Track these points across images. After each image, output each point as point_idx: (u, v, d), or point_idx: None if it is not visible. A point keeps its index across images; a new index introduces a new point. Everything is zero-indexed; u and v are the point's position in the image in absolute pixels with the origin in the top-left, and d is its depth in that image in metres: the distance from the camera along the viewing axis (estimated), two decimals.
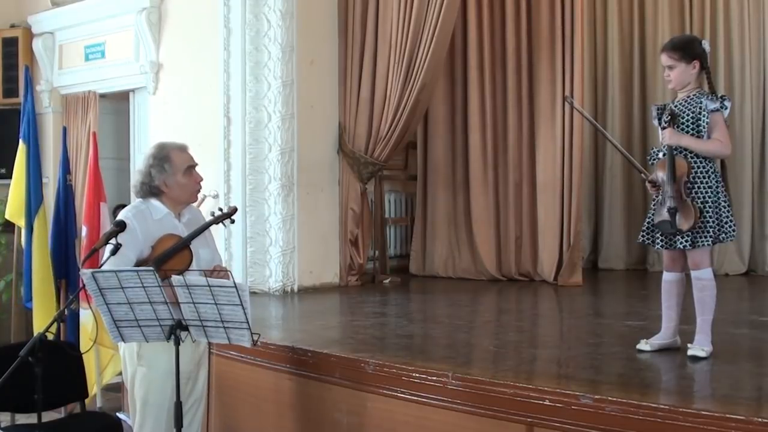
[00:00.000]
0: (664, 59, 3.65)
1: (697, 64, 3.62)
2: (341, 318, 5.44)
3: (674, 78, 3.64)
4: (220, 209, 3.40)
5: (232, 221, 3.45)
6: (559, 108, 6.54)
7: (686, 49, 3.64)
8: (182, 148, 3.49)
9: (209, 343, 3.32)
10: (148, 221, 3.31)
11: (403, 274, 7.23)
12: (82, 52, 7.45)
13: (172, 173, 3.37)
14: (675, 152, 3.55)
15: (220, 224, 3.44)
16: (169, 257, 3.18)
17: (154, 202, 3.39)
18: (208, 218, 3.48)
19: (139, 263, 3.20)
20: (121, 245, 3.15)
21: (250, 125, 6.10)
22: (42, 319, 5.75)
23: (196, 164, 3.49)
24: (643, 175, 3.81)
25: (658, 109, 3.79)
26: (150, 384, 3.31)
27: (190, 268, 3.17)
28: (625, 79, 7.81)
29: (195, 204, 3.66)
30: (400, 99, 6.25)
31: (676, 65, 3.61)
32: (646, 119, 7.46)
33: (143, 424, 3.34)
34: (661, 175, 3.60)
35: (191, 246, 3.28)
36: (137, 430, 3.37)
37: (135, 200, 3.50)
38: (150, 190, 3.39)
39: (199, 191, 3.50)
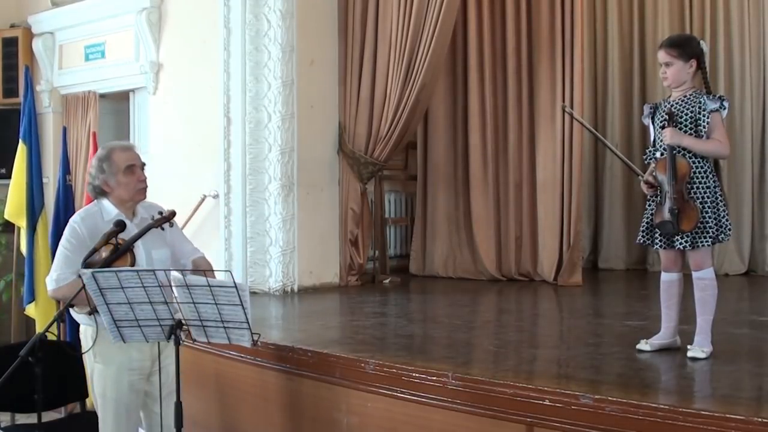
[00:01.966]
0: (662, 56, 3.64)
1: (694, 63, 3.61)
2: (341, 318, 5.44)
3: (671, 75, 3.63)
4: (160, 213, 3.41)
5: (171, 225, 3.46)
6: (559, 108, 6.53)
7: (684, 47, 3.63)
8: (125, 148, 3.53)
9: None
10: (97, 223, 3.35)
11: (403, 274, 7.22)
12: (82, 52, 7.45)
13: (113, 173, 3.41)
14: (675, 152, 3.55)
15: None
16: (113, 261, 3.18)
17: (105, 203, 3.45)
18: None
19: (88, 266, 3.19)
20: (121, 244, 3.18)
21: (250, 125, 6.10)
22: (44, 319, 5.76)
23: (142, 163, 3.52)
24: (639, 176, 3.81)
25: (650, 108, 3.79)
26: (105, 379, 3.38)
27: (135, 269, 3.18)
28: (625, 79, 7.81)
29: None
30: (400, 99, 6.24)
31: (674, 63, 3.60)
32: None
33: (105, 419, 3.41)
34: (660, 175, 3.59)
35: (136, 248, 3.29)
36: (101, 425, 3.43)
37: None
38: (95, 190, 3.46)
39: (143, 189, 3.50)
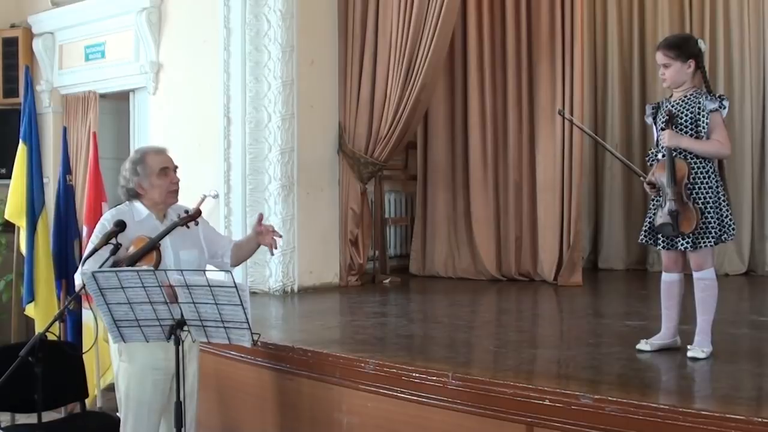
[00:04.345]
0: (660, 58, 3.65)
1: (692, 63, 3.61)
2: (341, 318, 5.44)
3: (669, 77, 3.63)
4: (186, 211, 3.44)
5: (196, 223, 3.49)
6: (558, 108, 6.53)
7: (682, 47, 3.63)
8: (158, 151, 3.55)
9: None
10: (128, 223, 3.33)
11: (403, 274, 7.22)
12: (82, 52, 7.45)
13: (146, 175, 3.44)
14: (674, 154, 3.55)
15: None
16: (139, 258, 3.21)
17: (137, 205, 3.48)
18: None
19: (115, 263, 3.23)
20: (120, 245, 3.18)
21: (250, 125, 6.10)
22: (43, 319, 5.75)
23: (175, 166, 3.54)
24: (641, 177, 3.81)
25: (652, 108, 3.79)
26: (129, 378, 3.38)
27: (160, 269, 3.18)
28: (625, 79, 7.81)
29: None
30: (400, 99, 6.24)
31: (672, 64, 3.61)
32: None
33: (126, 418, 3.41)
34: (660, 177, 3.59)
35: (163, 247, 3.31)
36: (122, 424, 3.44)
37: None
38: (129, 193, 3.49)
39: (176, 191, 3.53)
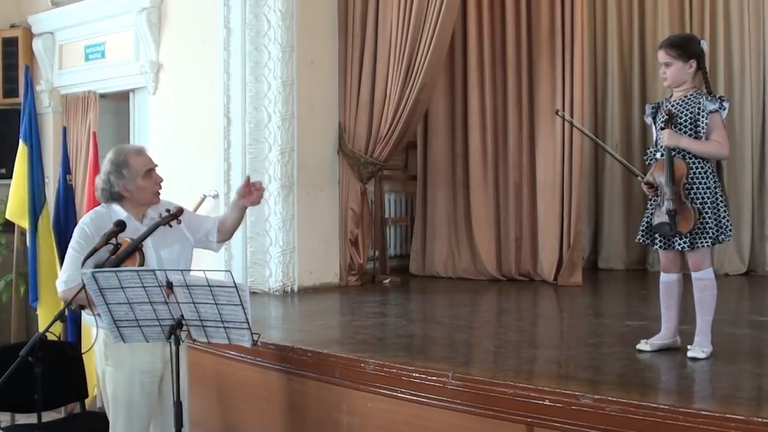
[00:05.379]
0: (661, 56, 3.65)
1: (694, 63, 3.61)
2: (341, 318, 5.44)
3: (670, 76, 3.63)
4: (168, 210, 3.40)
5: (179, 222, 3.43)
6: (556, 108, 6.53)
7: (684, 47, 3.63)
8: (139, 152, 3.50)
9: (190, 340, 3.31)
10: (106, 225, 3.29)
11: (403, 274, 7.22)
12: (82, 52, 7.45)
13: (131, 178, 3.39)
14: (673, 153, 3.55)
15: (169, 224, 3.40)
16: (122, 260, 3.18)
17: (116, 207, 3.42)
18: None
19: (98, 267, 3.19)
20: (120, 245, 3.18)
21: (250, 125, 6.10)
22: (46, 319, 5.76)
23: (156, 165, 3.51)
24: (639, 177, 3.81)
25: (652, 108, 3.79)
26: (116, 382, 3.36)
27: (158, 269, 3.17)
28: (625, 79, 7.81)
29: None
30: (400, 99, 6.24)
31: (673, 63, 3.60)
32: None
33: (116, 422, 3.40)
34: (659, 177, 3.59)
35: (145, 248, 3.28)
36: (112, 427, 3.42)
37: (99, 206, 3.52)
38: (111, 195, 3.42)
39: (159, 192, 3.50)
